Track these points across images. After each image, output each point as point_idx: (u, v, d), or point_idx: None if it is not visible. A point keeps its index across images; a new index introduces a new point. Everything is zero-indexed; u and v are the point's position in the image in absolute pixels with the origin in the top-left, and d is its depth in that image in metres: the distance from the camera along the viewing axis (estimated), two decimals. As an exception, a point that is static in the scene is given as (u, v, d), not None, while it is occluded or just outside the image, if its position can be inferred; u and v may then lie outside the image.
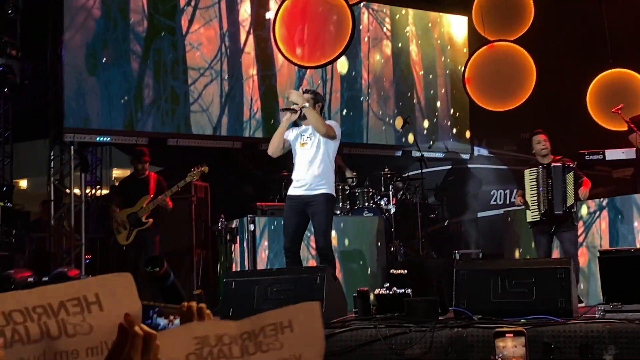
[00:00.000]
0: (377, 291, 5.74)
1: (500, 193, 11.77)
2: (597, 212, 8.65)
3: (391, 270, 6.04)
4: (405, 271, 5.92)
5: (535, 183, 7.85)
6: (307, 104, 6.78)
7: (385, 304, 5.68)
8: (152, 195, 8.78)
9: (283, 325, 1.55)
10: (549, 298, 5.53)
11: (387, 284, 5.79)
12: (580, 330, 5.10)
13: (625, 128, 9.12)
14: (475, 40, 11.57)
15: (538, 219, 7.81)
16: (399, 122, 11.57)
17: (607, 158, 8.74)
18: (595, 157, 8.68)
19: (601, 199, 8.72)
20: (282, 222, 7.24)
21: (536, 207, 7.83)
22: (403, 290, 5.64)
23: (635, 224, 8.36)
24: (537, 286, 5.60)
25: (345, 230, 8.96)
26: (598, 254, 6.06)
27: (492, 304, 5.64)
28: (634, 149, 8.63)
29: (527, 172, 7.98)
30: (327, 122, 6.97)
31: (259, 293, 5.84)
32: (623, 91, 10.24)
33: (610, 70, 10.74)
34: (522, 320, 5.27)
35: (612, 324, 5.09)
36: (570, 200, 7.74)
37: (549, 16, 11.31)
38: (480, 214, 11.66)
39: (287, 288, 5.79)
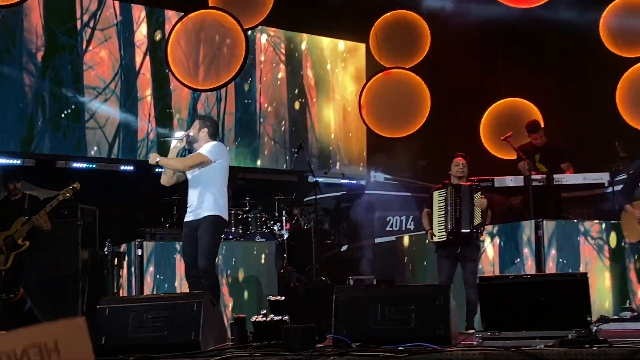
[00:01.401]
0: (253, 318, 5.61)
1: (397, 219, 11.80)
2: (489, 239, 8.73)
3: (268, 297, 5.91)
4: (283, 297, 5.81)
5: (443, 203, 7.86)
6: (158, 159, 6.92)
7: (262, 331, 5.56)
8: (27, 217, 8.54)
9: (48, 347, 1.49)
10: (428, 325, 5.49)
11: (264, 311, 5.67)
12: (457, 358, 5.05)
13: (515, 156, 9.27)
14: (372, 67, 11.63)
15: (445, 238, 7.79)
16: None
17: (495, 185, 8.84)
18: (484, 184, 8.76)
19: (492, 226, 8.80)
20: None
21: (443, 227, 7.81)
22: (280, 317, 5.53)
23: (525, 250, 8.45)
24: (416, 313, 5.55)
25: (237, 256, 8.83)
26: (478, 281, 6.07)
27: (371, 331, 5.57)
28: (522, 177, 8.74)
29: (435, 193, 7.97)
30: (202, 148, 6.92)
31: (134, 320, 5.64)
32: (515, 120, 10.41)
33: (503, 100, 10.95)
34: (400, 348, 5.22)
35: (489, 352, 5.07)
36: (477, 220, 7.78)
37: (446, 45, 11.46)
38: (376, 240, 11.66)
39: (163, 315, 5.60)
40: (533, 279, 6.27)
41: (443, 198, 7.89)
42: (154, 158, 6.95)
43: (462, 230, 7.75)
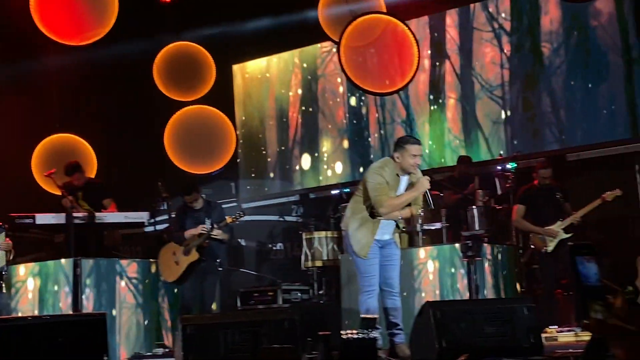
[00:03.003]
0: None
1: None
2: (28, 278, 8.45)
3: None
4: None
5: None
6: None
7: None
8: None
9: None
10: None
11: None
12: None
13: (59, 192, 9.11)
14: None
15: None
16: None
17: (37, 222, 8.66)
18: (26, 220, 8.54)
19: (33, 264, 8.56)
20: None
21: None
22: None
23: (65, 288, 8.27)
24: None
25: None
26: None
27: None
28: (64, 214, 8.62)
29: None
30: None
31: None
32: (65, 155, 10.29)
33: (53, 135, 10.85)
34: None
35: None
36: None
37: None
38: None
39: None
40: (52, 320, 6.14)
41: None
42: None
43: None
